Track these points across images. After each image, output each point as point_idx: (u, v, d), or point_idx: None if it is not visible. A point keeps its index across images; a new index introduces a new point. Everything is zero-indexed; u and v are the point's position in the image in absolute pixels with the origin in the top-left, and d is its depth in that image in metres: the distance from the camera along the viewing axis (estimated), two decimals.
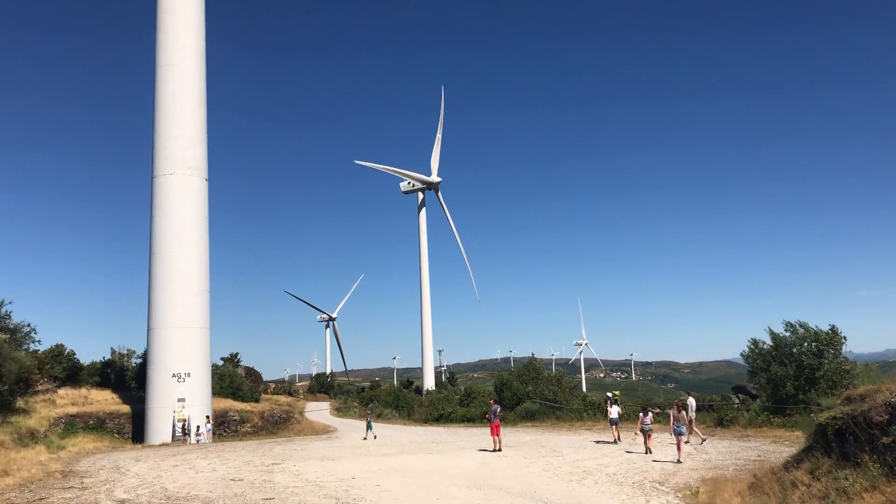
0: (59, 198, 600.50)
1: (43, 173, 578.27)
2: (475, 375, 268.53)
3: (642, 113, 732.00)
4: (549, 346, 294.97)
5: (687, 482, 17.21)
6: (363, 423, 58.74)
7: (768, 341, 35.31)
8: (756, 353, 35.27)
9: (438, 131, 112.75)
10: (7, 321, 40.72)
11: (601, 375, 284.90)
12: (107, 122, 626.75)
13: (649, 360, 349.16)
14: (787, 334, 34.55)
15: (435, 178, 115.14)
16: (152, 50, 46.93)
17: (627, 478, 18.36)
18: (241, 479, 20.79)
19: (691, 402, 28.56)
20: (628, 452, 25.30)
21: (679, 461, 21.44)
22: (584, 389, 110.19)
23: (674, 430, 22.42)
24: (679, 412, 22.94)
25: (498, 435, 27.30)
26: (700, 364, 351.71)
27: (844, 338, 32.99)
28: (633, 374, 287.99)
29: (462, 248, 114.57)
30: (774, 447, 24.44)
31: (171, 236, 43.75)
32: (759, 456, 22.01)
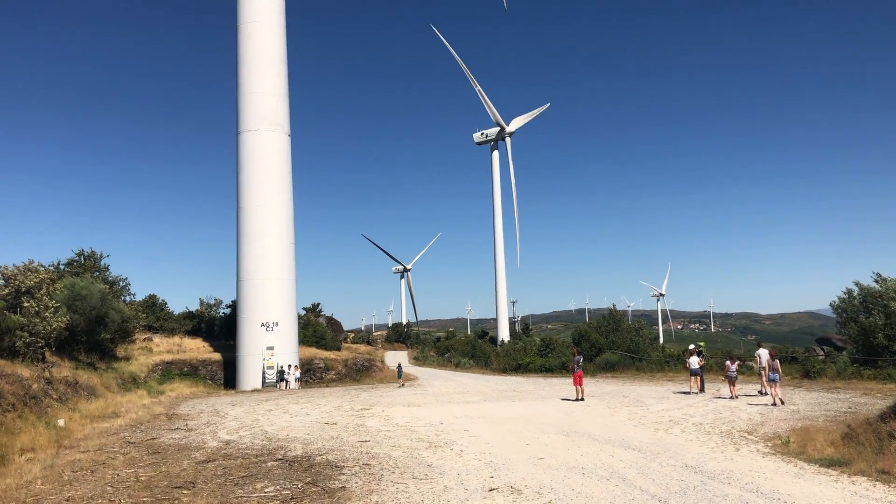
0: (147, 154, 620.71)
1: (132, 128, 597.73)
2: (549, 326, 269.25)
3: (739, 35, 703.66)
4: (625, 298, 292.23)
5: (776, 432, 17.18)
6: (442, 372, 60.27)
7: (856, 293, 34.47)
8: (847, 304, 34.37)
9: (482, 97, 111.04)
10: (106, 273, 42.99)
11: (679, 327, 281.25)
12: (194, 78, 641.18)
13: (729, 312, 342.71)
14: (877, 286, 33.61)
15: (511, 127, 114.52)
16: (234, 6, 47.76)
17: (715, 427, 18.43)
18: (335, 423, 21.73)
19: (762, 352, 27.90)
20: (713, 402, 25.28)
21: (775, 404, 23.24)
22: (661, 341, 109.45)
23: (768, 377, 24.68)
24: (773, 360, 24.75)
25: (581, 385, 27.59)
26: (782, 315, 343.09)
27: None
28: (713, 326, 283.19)
29: (515, 204, 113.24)
30: (866, 399, 24.00)
31: (257, 191, 45.13)
32: (850, 408, 21.69)
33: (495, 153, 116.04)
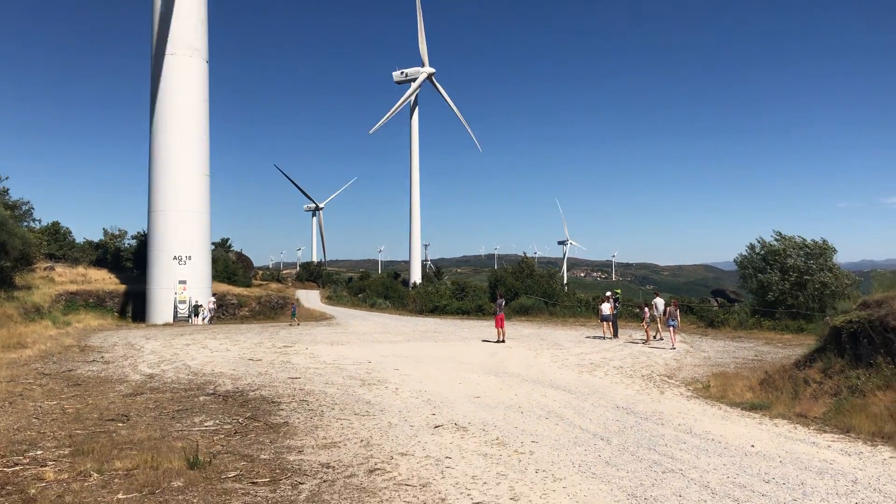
0: (56, 74, 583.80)
1: (41, 48, 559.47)
2: (459, 270, 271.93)
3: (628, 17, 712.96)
4: (533, 245, 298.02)
5: (693, 376, 18.01)
6: (358, 312, 60.26)
7: (758, 249, 36.27)
8: (749, 260, 36.13)
9: (419, 21, 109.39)
10: (6, 197, 40.60)
11: (582, 275, 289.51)
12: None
13: (630, 262, 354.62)
14: (778, 244, 35.45)
15: (428, 68, 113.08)
16: None
17: (635, 371, 19.16)
18: (260, 360, 21.47)
19: (658, 301, 29.65)
20: (628, 347, 26.24)
21: (672, 347, 25.49)
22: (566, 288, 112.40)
23: (667, 323, 26.81)
24: (675, 309, 26.80)
25: (502, 327, 28.09)
26: (680, 267, 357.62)
27: (835, 249, 34.06)
28: (614, 275, 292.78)
29: (465, 123, 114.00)
30: (769, 348, 25.42)
31: (172, 119, 43.17)
32: (756, 356, 22.93)
33: (414, 102, 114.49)
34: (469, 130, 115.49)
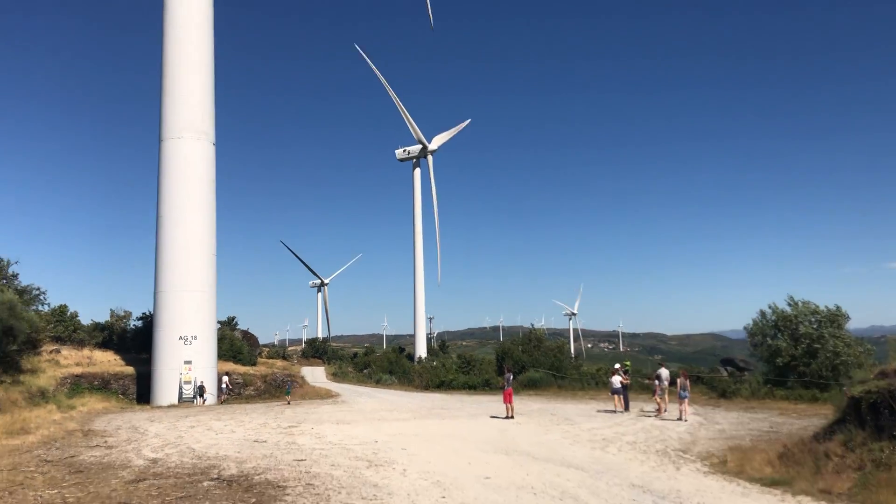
0: (63, 160, 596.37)
1: (47, 133, 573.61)
2: (464, 343, 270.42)
3: (631, 71, 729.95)
4: (542, 317, 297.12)
5: (709, 450, 17.61)
6: (364, 389, 59.55)
7: (770, 316, 35.96)
8: (760, 326, 35.79)
9: (400, 109, 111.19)
10: (16, 282, 40.74)
11: (589, 346, 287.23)
12: (114, 84, 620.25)
13: (637, 332, 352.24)
14: (790, 310, 35.17)
15: (433, 145, 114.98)
16: (160, 11, 46.34)
17: (649, 446, 18.75)
18: (265, 441, 21.07)
19: (663, 372, 29.38)
20: (641, 421, 25.77)
21: (684, 419, 25.23)
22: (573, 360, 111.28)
23: (679, 395, 26.32)
24: (685, 379, 26.64)
25: (511, 402, 27.65)
26: (687, 336, 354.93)
27: (848, 316, 33.74)
28: (621, 345, 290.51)
29: (437, 222, 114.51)
30: (784, 419, 24.93)
31: (179, 200, 43.62)
32: (772, 427, 22.48)
33: (417, 171, 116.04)
34: (436, 215, 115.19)
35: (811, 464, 13.42)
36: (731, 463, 15.20)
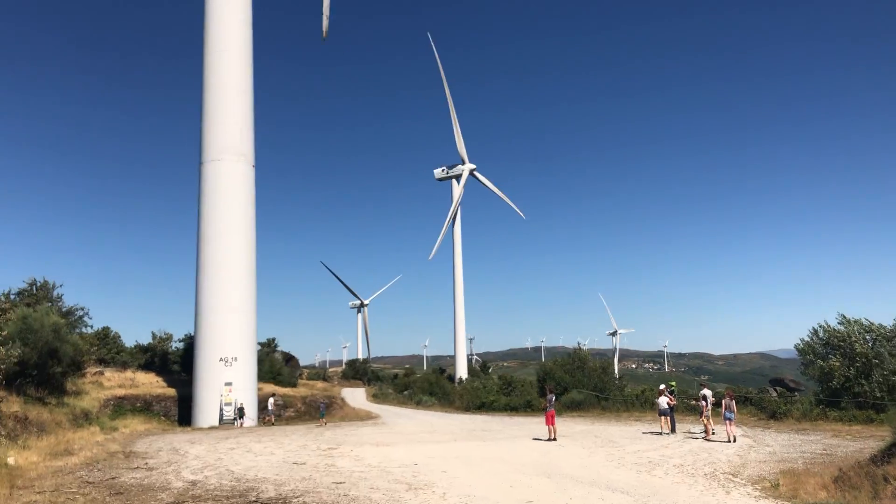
0: (105, 183, 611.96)
1: (90, 156, 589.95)
2: (505, 364, 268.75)
3: (674, 100, 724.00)
4: (584, 338, 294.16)
5: (760, 474, 16.93)
6: (404, 410, 59.26)
7: (821, 334, 34.87)
8: (811, 345, 34.69)
9: (454, 120, 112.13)
10: (60, 303, 41.47)
11: (633, 366, 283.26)
12: (155, 108, 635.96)
13: (683, 352, 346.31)
14: (842, 328, 34.04)
15: (469, 165, 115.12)
16: (201, 37, 47.18)
17: (697, 469, 18.11)
18: (304, 463, 20.89)
19: (707, 393, 28.57)
20: (688, 443, 25.04)
21: (729, 441, 24.62)
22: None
23: (724, 416, 25.58)
24: (731, 400, 25.93)
25: (553, 424, 27.10)
26: (735, 356, 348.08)
27: None
28: (667, 365, 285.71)
29: (509, 202, 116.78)
30: (837, 441, 24.00)
31: (219, 222, 44.17)
32: (825, 450, 21.63)
33: (455, 189, 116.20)
34: (514, 206, 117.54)
35: (868, 488, 12.75)
36: (783, 487, 14.55)
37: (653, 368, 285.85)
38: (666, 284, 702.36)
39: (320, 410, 44.28)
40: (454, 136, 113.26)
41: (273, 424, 41.88)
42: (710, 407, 28.05)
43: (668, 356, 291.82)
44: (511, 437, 29.42)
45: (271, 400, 44.61)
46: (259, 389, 46.85)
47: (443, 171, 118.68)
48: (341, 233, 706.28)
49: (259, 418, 44.70)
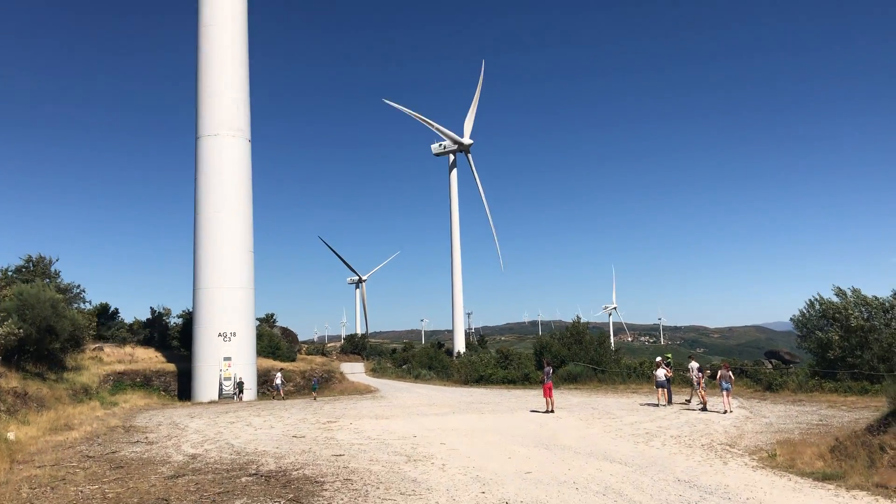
0: (101, 158, 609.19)
1: (85, 131, 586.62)
2: (503, 338, 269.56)
3: (675, 77, 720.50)
4: (576, 310, 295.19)
5: (756, 444, 17.07)
6: (402, 384, 59.56)
7: (817, 307, 34.94)
8: (808, 317, 34.78)
9: (476, 95, 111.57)
10: (57, 280, 41.39)
11: (629, 339, 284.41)
12: (151, 82, 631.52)
13: (678, 325, 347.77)
14: (837, 300, 34.12)
15: (467, 139, 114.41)
16: (195, 8, 46.67)
17: (694, 440, 18.25)
18: (304, 437, 21.02)
19: (693, 364, 29.72)
20: (684, 414, 25.22)
21: (726, 412, 24.93)
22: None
23: (721, 386, 26.14)
24: (728, 371, 26.60)
25: (551, 396, 27.24)
26: (730, 329, 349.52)
27: None
28: (662, 339, 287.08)
29: (489, 214, 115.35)
30: (833, 412, 24.17)
31: (216, 197, 43.95)
32: (821, 420, 21.79)
33: (454, 173, 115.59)
34: (489, 216, 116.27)
35: (865, 457, 12.86)
36: (780, 457, 14.67)
37: (648, 342, 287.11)
38: (661, 258, 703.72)
39: (313, 384, 44.63)
40: (469, 110, 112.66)
41: (284, 399, 41.97)
42: (694, 377, 28.96)
43: (663, 329, 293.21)
44: (509, 409, 29.59)
45: (279, 375, 44.68)
46: (258, 364, 46.99)
47: (440, 145, 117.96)
48: (339, 208, 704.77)
49: (266, 392, 44.97)
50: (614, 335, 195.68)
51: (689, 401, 30.03)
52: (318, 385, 44.98)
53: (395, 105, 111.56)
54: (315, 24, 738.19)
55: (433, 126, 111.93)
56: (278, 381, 43.92)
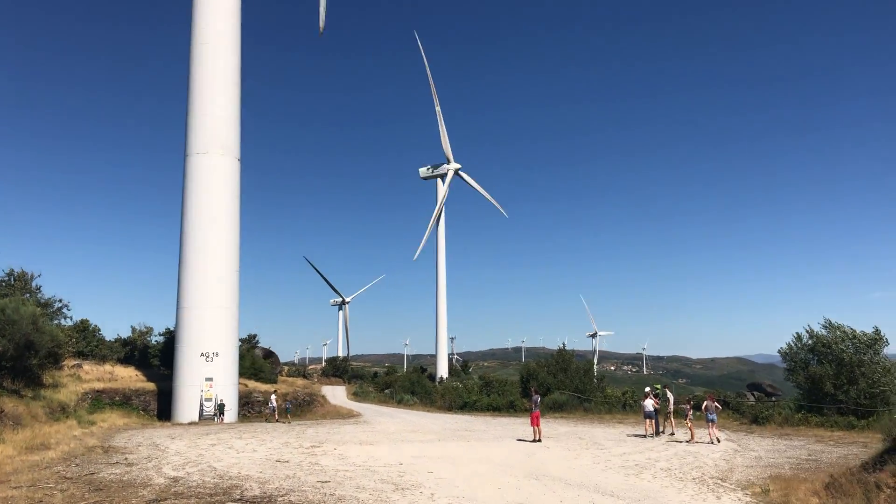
0: (87, 175, 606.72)
1: (72, 148, 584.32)
2: (485, 364, 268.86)
3: (657, 106, 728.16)
4: (559, 338, 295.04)
5: (748, 479, 16.87)
6: (385, 409, 58.92)
7: (805, 339, 34.88)
8: (796, 351, 34.72)
9: (439, 119, 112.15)
10: (38, 294, 40.81)
11: (612, 368, 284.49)
12: (140, 101, 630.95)
13: (661, 355, 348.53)
14: (826, 333, 34.11)
15: (454, 164, 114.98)
16: (188, 29, 46.60)
17: (685, 473, 18.03)
18: (287, 461, 20.60)
19: (669, 395, 30.57)
20: (672, 446, 25.00)
21: (712, 442, 25.61)
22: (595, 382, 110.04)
23: (707, 418, 26.65)
24: (713, 402, 27.17)
25: (538, 425, 26.97)
26: (713, 360, 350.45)
27: (886, 340, 32.67)
28: (645, 368, 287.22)
29: (494, 202, 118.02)
30: (821, 447, 24.04)
31: (203, 216, 43.57)
32: (811, 455, 21.64)
33: (440, 188, 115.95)
34: (498, 206, 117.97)
35: (861, 495, 12.69)
36: (774, 493, 14.48)
37: (631, 371, 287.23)
38: (645, 288, 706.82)
39: (286, 407, 43.59)
40: (440, 135, 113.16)
41: (278, 421, 41.17)
42: (671, 409, 30.57)
43: (646, 359, 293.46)
44: (495, 437, 29.26)
45: (273, 397, 43.90)
46: (242, 385, 46.39)
47: (428, 169, 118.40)
48: (325, 230, 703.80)
49: (247, 414, 44.23)
50: (598, 363, 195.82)
51: (672, 433, 29.88)
52: (292, 409, 44.15)
53: (423, 56, 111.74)
54: (309, 49, 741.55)
55: (442, 128, 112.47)
56: (273, 402, 43.08)
